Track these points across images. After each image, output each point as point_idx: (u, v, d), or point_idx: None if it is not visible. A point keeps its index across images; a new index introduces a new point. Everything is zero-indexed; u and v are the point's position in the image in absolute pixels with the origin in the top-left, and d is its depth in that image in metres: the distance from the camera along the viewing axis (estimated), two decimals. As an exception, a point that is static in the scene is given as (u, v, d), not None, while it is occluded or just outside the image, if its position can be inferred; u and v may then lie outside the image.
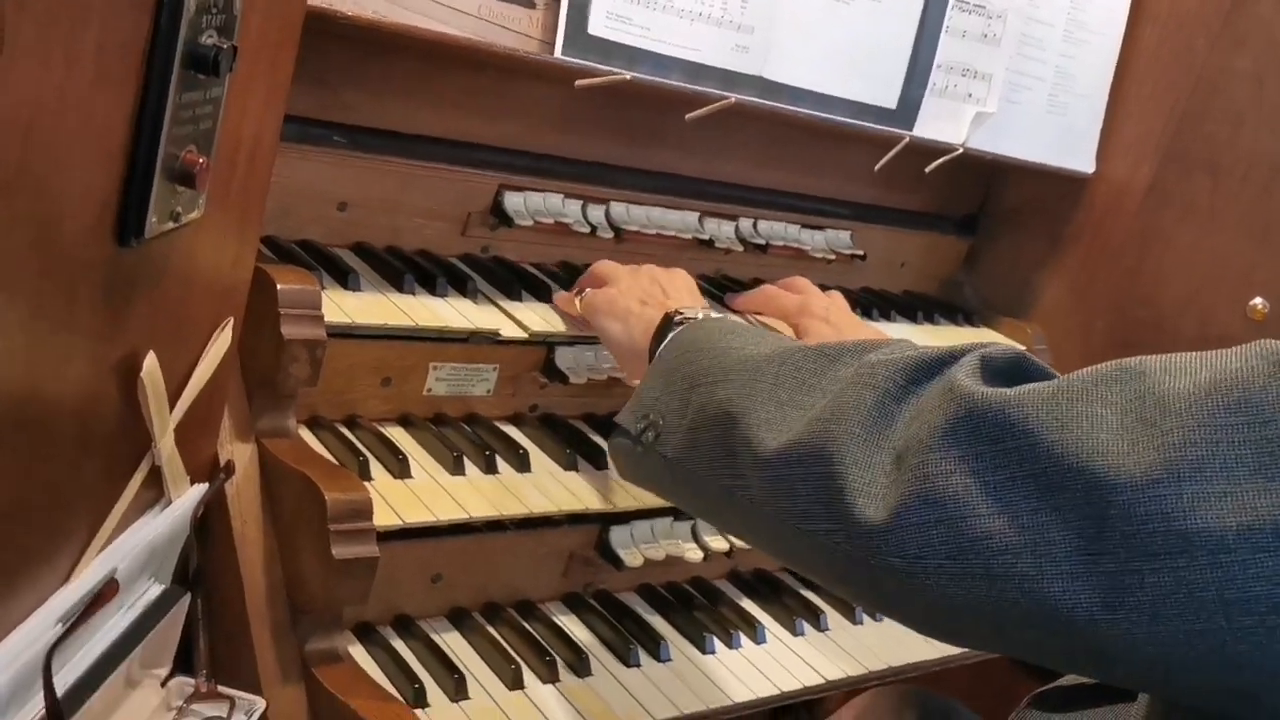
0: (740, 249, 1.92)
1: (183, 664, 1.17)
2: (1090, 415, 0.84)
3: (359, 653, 1.35)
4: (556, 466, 1.52)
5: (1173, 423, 0.80)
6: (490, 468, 1.45)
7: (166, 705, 1.14)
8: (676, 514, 1.62)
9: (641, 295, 1.49)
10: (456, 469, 1.42)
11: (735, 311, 1.84)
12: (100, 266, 0.91)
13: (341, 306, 1.39)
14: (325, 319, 1.29)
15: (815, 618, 1.70)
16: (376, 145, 1.53)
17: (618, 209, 1.78)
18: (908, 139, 1.92)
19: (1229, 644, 0.76)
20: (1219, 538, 0.76)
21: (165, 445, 1.07)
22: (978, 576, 0.86)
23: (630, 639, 1.51)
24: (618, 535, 1.56)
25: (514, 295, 1.58)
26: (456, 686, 1.34)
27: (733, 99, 1.66)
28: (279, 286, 1.25)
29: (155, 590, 1.13)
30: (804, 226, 2.05)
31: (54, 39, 0.77)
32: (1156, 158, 2.16)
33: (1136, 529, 0.79)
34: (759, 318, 1.84)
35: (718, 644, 1.58)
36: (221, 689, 1.15)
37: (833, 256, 2.05)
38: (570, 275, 1.69)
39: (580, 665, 1.44)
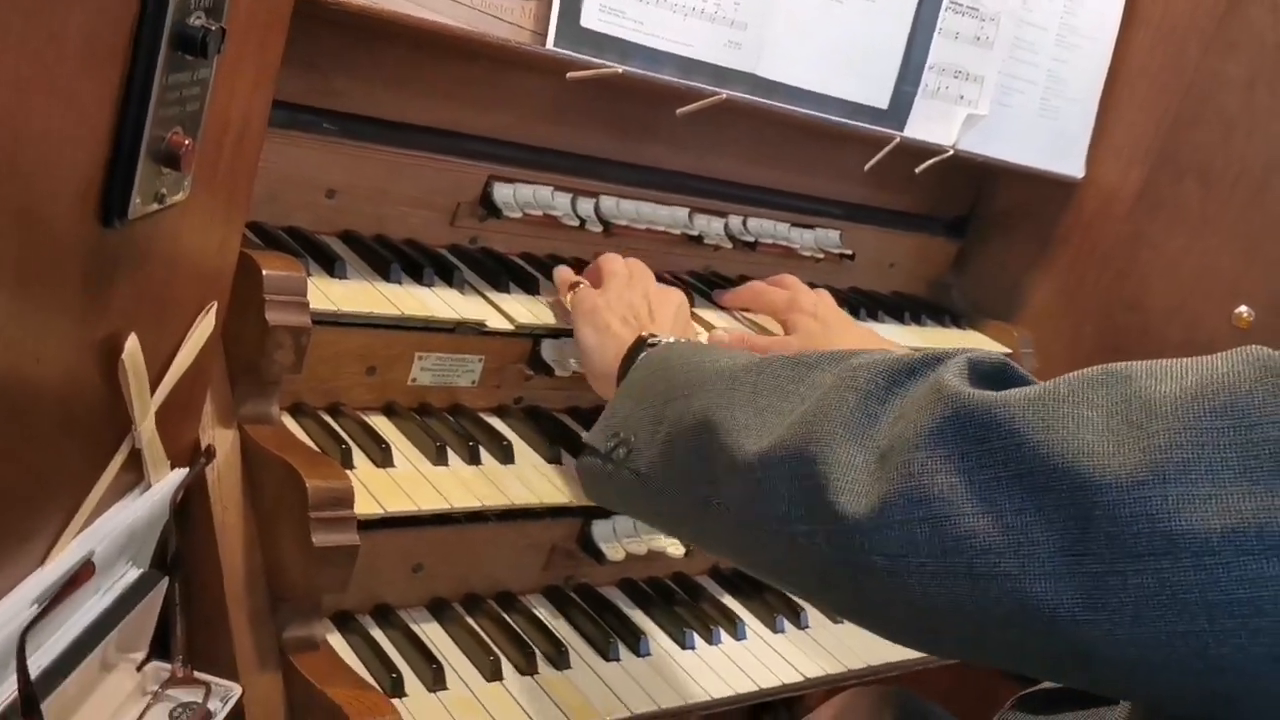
0: (729, 246, 1.91)
1: (159, 649, 1.16)
2: (1076, 417, 0.84)
3: (337, 641, 1.34)
4: (540, 459, 1.52)
5: (1159, 425, 0.80)
6: (473, 458, 1.44)
7: (142, 689, 1.14)
8: (660, 509, 1.62)
9: (625, 312, 1.48)
10: (439, 459, 1.41)
11: (723, 308, 1.84)
12: (83, 247, 0.90)
13: (327, 294, 1.38)
14: (311, 306, 1.28)
15: (796, 615, 1.70)
16: (366, 133, 1.52)
17: (607, 203, 1.78)
18: (899, 139, 1.92)
19: (1211, 646, 0.77)
20: (1203, 540, 0.76)
21: (146, 428, 1.06)
22: (961, 575, 0.86)
23: (610, 633, 1.51)
24: (600, 529, 1.56)
25: (501, 287, 1.57)
26: (434, 677, 1.33)
27: (724, 95, 1.65)
28: (265, 272, 1.24)
29: (133, 574, 1.13)
30: (793, 225, 2.04)
31: (39, 17, 0.76)
32: (1147, 163, 2.16)
33: (1121, 530, 0.79)
34: (747, 314, 1.84)
35: (698, 639, 1.58)
36: (198, 674, 1.15)
37: (821, 255, 2.04)
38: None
39: (559, 658, 1.44)
